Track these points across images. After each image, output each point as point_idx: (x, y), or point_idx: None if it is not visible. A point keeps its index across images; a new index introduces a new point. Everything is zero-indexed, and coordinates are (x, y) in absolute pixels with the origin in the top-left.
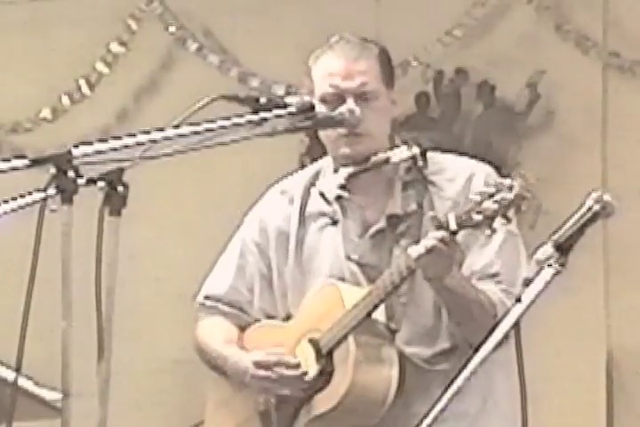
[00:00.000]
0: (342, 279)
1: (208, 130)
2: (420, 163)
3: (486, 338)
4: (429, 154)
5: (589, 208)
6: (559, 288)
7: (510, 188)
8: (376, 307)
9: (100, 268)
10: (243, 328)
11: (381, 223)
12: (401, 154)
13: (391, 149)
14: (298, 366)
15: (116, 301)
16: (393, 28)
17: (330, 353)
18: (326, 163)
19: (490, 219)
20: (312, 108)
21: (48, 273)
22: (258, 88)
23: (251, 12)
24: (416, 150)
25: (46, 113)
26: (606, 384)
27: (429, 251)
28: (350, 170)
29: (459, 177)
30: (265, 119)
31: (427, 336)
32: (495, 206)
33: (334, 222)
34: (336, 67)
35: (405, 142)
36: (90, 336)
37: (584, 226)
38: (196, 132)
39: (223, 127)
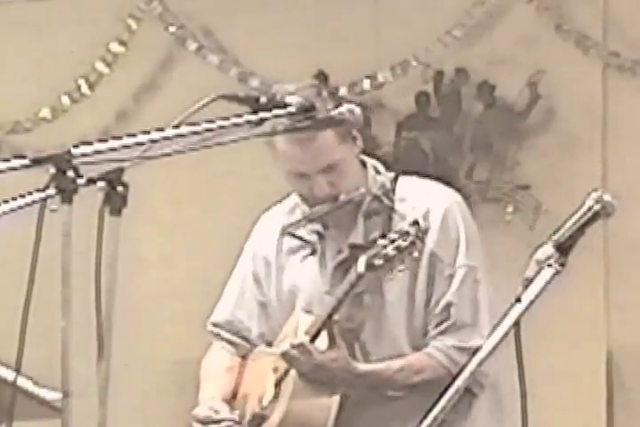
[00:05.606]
0: (311, 311)
1: (207, 130)
2: (389, 186)
3: (486, 338)
4: (402, 179)
5: (589, 208)
6: (559, 288)
7: (407, 234)
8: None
9: (99, 268)
10: (244, 356)
11: (345, 253)
12: (368, 186)
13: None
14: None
15: (116, 301)
16: (393, 28)
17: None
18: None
19: (390, 262)
20: (312, 108)
21: (48, 273)
22: (258, 88)
23: (251, 12)
24: (385, 177)
25: (46, 113)
26: (606, 384)
27: (283, 355)
28: (325, 209)
29: (419, 207)
30: (265, 119)
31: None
32: (394, 252)
33: (314, 252)
34: (294, 161)
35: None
36: (90, 336)
37: (584, 226)
38: (196, 132)
39: (223, 127)
